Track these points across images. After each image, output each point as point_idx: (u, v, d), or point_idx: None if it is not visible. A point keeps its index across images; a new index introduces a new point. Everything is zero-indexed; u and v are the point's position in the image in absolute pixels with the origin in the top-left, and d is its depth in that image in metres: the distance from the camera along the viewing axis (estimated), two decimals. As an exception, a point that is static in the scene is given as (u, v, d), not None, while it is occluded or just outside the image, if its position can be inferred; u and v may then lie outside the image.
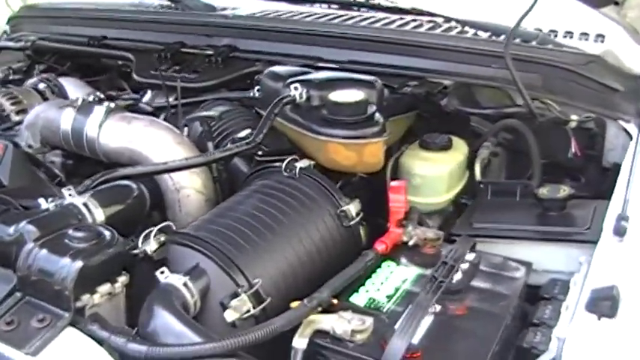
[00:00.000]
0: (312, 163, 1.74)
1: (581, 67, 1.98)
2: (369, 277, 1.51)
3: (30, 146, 1.95)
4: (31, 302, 1.26)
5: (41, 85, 2.36)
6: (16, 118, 2.17)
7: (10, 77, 2.69)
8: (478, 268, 1.54)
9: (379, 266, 1.55)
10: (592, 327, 1.25)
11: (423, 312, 1.31)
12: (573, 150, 2.00)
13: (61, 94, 2.37)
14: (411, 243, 1.63)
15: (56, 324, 1.20)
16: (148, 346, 1.15)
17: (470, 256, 1.54)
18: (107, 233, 1.32)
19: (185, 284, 1.29)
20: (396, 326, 1.28)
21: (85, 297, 1.25)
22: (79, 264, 1.23)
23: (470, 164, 2.04)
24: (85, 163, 1.97)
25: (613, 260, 1.41)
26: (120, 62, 2.64)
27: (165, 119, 2.12)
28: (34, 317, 1.22)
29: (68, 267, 1.23)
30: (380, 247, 1.58)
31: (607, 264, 1.40)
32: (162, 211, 1.80)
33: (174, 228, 1.45)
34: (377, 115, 1.77)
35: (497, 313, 1.41)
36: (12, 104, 2.22)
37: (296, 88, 1.81)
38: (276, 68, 2.03)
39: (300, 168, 1.68)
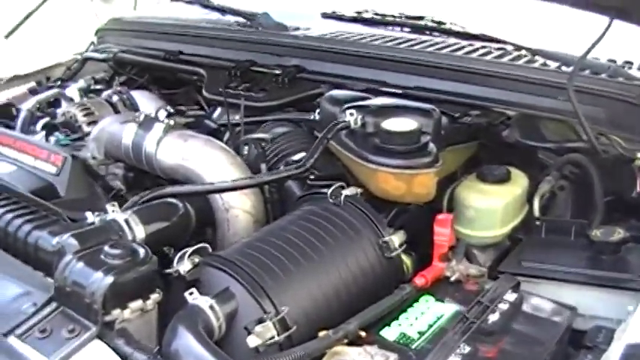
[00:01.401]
0: (359, 191, 1.73)
1: None
2: (405, 311, 1.49)
3: (94, 158, 2.02)
4: (65, 312, 1.30)
5: (114, 98, 2.44)
6: (87, 129, 2.25)
7: (92, 87, 2.80)
8: (518, 309, 1.50)
9: (416, 300, 1.53)
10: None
11: (447, 352, 1.28)
12: (639, 189, 1.92)
13: (133, 107, 2.45)
14: (453, 278, 1.60)
15: (83, 335, 1.24)
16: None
17: (511, 297, 1.51)
18: (141, 251, 1.35)
19: (211, 307, 1.31)
20: (420, 365, 1.26)
21: (116, 312, 1.28)
22: (109, 279, 1.26)
23: (530, 198, 1.99)
24: (145, 176, 2.03)
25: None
26: (194, 77, 2.70)
27: (227, 137, 2.16)
28: (65, 327, 1.26)
29: (99, 282, 1.27)
30: (419, 281, 1.56)
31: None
32: (214, 229, 1.83)
33: (210, 250, 1.46)
34: (430, 145, 1.75)
35: (531, 359, 1.37)
36: (84, 115, 2.30)
37: (351, 114, 1.81)
38: (335, 92, 2.04)
39: (346, 195, 1.67)
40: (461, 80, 2.12)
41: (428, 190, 1.75)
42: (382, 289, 1.55)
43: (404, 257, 1.71)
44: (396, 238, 1.63)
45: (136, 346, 1.24)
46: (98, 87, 2.79)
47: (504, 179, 1.94)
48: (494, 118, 2.06)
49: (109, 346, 1.24)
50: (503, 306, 1.47)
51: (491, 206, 1.88)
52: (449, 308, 1.51)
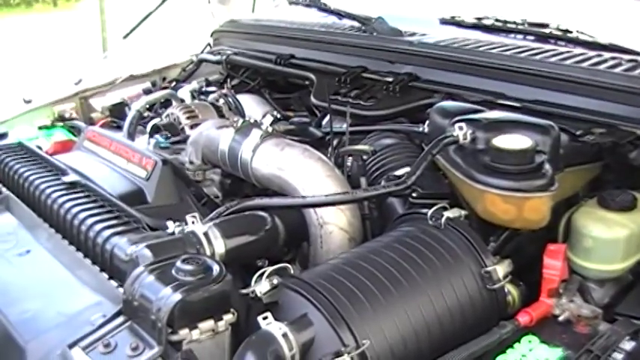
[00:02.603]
0: (463, 213, 1.58)
1: None
2: (504, 352, 1.34)
3: (192, 162, 1.97)
4: (132, 327, 1.26)
5: (220, 101, 2.39)
6: (190, 131, 2.21)
7: (204, 89, 2.77)
8: (637, 360, 1.32)
9: (518, 340, 1.37)
10: None
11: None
12: None
13: (238, 110, 2.39)
14: (561, 318, 1.44)
15: (146, 355, 1.18)
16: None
17: (628, 345, 1.32)
18: (216, 268, 1.26)
19: (285, 335, 1.20)
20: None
21: (184, 332, 1.21)
22: (177, 297, 1.19)
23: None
24: (243, 184, 1.96)
25: None
26: (306, 82, 2.62)
27: (333, 147, 2.06)
28: (129, 344, 1.21)
29: (166, 298, 1.20)
30: (523, 318, 1.41)
31: None
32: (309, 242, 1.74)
33: (291, 271, 1.36)
34: (546, 166, 1.58)
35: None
36: (187, 118, 2.27)
37: (461, 128, 1.66)
38: (447, 103, 1.90)
39: (447, 218, 1.53)
40: (585, 94, 1.92)
41: (541, 216, 1.57)
42: (481, 325, 1.41)
43: (510, 288, 1.57)
44: (501, 269, 1.48)
45: (201, 372, 1.15)
46: (210, 89, 2.76)
47: (629, 206, 1.73)
48: (622, 137, 1.85)
49: (173, 368, 1.17)
50: (618, 356, 1.30)
51: (613, 236, 1.68)
52: (554, 353, 1.34)
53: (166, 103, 2.65)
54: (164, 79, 3.12)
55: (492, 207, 1.58)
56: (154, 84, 3.02)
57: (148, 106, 2.56)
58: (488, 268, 1.47)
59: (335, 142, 2.11)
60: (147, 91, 2.91)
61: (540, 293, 1.48)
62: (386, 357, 1.27)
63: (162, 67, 3.14)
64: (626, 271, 1.71)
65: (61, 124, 2.71)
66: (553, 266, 1.48)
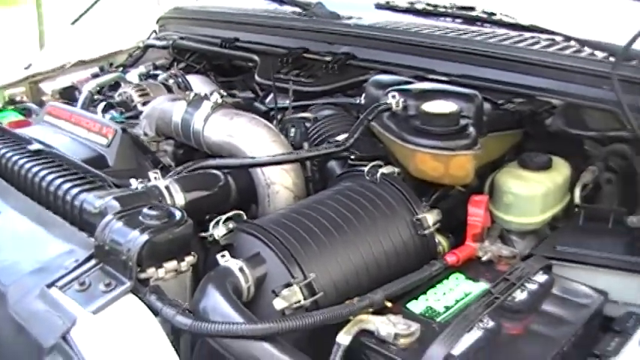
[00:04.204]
0: (396, 170, 1.76)
1: None
2: (433, 286, 1.51)
3: (146, 134, 2.10)
4: (104, 269, 1.38)
5: (170, 81, 2.53)
6: (142, 108, 2.33)
7: (152, 73, 2.90)
8: (548, 291, 1.51)
9: (447, 277, 1.55)
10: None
11: (468, 324, 1.31)
12: None
13: (187, 89, 2.52)
14: (484, 258, 1.62)
15: (118, 289, 1.31)
16: (192, 320, 1.23)
17: (541, 278, 1.52)
18: (178, 214, 1.41)
19: (241, 269, 1.36)
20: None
21: (151, 270, 1.36)
22: (144, 238, 1.33)
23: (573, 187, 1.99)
24: (194, 153, 2.09)
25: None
26: (250, 64, 2.76)
27: (277, 120, 2.22)
28: (102, 282, 1.34)
29: (135, 240, 1.33)
30: (450, 258, 1.58)
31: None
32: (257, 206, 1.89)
33: (244, 217, 1.52)
34: (470, 128, 1.77)
35: (555, 337, 1.37)
36: (140, 96, 2.40)
37: (393, 97, 1.84)
38: (380, 77, 2.06)
39: (382, 173, 1.71)
40: (507, 69, 2.12)
41: (466, 173, 1.76)
42: (413, 265, 1.57)
43: (441, 239, 1.75)
44: (430, 217, 1.66)
45: (166, 302, 1.30)
46: (157, 72, 2.89)
47: (545, 167, 1.94)
48: (539, 106, 2.06)
49: (142, 300, 1.31)
50: (532, 286, 1.48)
51: (531, 192, 1.88)
52: (478, 287, 1.52)
53: (115, 87, 2.76)
54: (111, 64, 3.22)
55: (422, 165, 1.76)
56: (102, 69, 3.11)
57: (98, 89, 2.67)
58: (419, 216, 1.64)
59: (276, 117, 2.27)
60: (95, 76, 3.00)
61: (466, 238, 1.67)
62: (330, 290, 1.43)
63: (110, 53, 3.24)
64: (544, 224, 1.92)
65: (12, 107, 2.79)
66: (476, 214, 1.66)
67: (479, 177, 1.91)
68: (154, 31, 3.31)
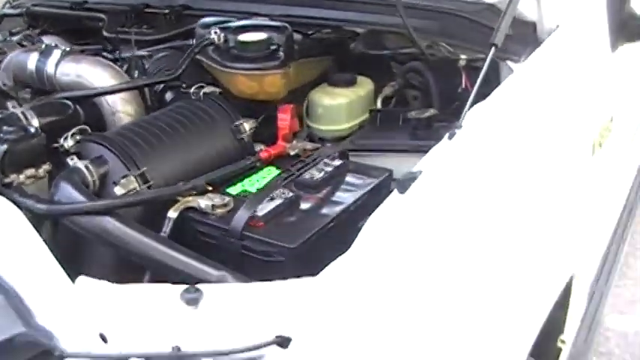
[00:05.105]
0: (218, 90, 2.12)
1: (475, 15, 2.28)
2: (249, 176, 1.87)
3: (5, 85, 2.36)
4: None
5: (25, 42, 2.77)
6: (0, 63, 2.58)
7: (8, 39, 3.12)
8: (344, 172, 1.89)
9: (262, 169, 1.92)
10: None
11: (268, 192, 1.68)
12: (464, 85, 2.34)
13: (41, 47, 2.78)
14: (292, 153, 2.00)
15: (-15, 192, 1.61)
16: (48, 205, 1.56)
17: (337, 162, 1.90)
18: (32, 129, 1.73)
19: (87, 167, 1.68)
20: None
21: (13, 176, 1.66)
22: (4, 147, 1.64)
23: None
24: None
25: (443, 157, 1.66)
26: (100, 24, 3.03)
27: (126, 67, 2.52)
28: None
29: (-4, 149, 1.64)
30: (263, 154, 1.95)
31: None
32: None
33: (89, 131, 1.84)
34: (279, 52, 2.15)
35: (344, 201, 1.76)
36: (-3, 55, 2.64)
37: (215, 32, 2.20)
38: (207, 19, 2.41)
39: (204, 93, 2.07)
40: (317, 6, 2.49)
41: (277, 89, 2.16)
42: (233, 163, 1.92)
43: (260, 146, 2.09)
44: (247, 125, 2.02)
45: (28, 197, 1.60)
46: (13, 39, 3.11)
47: (350, 83, 2.35)
48: (344, 34, 2.46)
49: (8, 198, 1.60)
50: (328, 168, 1.86)
51: (337, 103, 2.29)
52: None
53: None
54: (-35, 36, 3.40)
55: (241, 85, 2.14)
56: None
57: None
58: (237, 123, 2.01)
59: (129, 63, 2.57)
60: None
61: (278, 139, 2.05)
62: (161, 182, 1.74)
63: (-36, 25, 3.41)
64: (351, 130, 2.31)
65: None
66: (284, 118, 2.04)
67: (301, 97, 2.31)
68: (9, 2, 3.50)
